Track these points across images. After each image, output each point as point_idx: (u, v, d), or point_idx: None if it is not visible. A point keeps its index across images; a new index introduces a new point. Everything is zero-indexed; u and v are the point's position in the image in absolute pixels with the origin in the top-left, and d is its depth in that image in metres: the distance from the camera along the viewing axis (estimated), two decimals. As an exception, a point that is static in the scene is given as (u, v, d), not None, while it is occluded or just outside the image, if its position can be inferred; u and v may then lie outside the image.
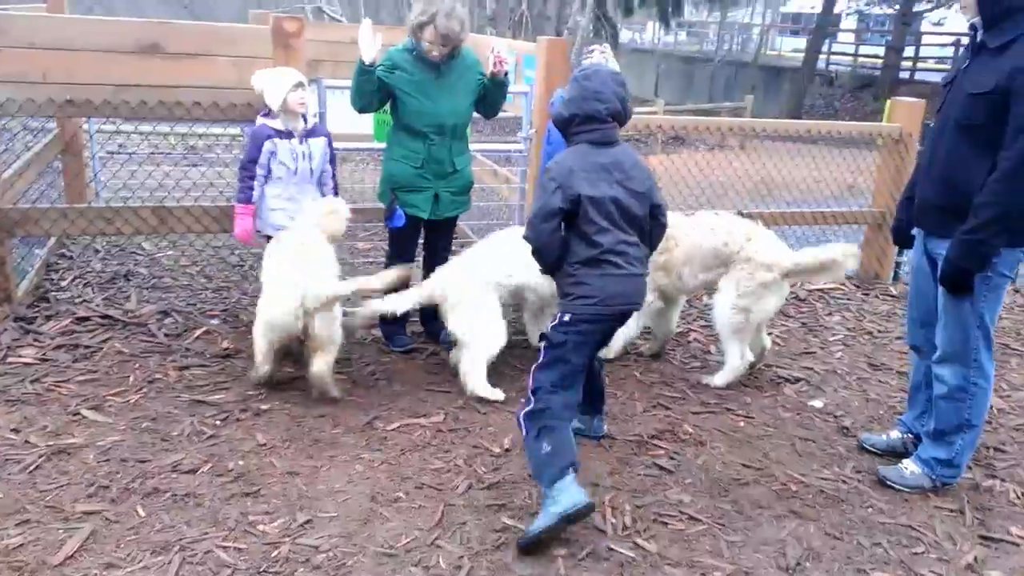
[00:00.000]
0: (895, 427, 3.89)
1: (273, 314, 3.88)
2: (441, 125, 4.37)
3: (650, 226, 3.34)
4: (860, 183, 9.06)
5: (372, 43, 4.09)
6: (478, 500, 3.23)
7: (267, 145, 4.17)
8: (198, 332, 4.70)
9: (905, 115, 6.36)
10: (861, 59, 28.73)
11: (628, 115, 3.28)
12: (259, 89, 4.16)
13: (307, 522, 3.02)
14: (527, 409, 3.10)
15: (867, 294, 6.34)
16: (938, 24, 24.22)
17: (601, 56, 4.56)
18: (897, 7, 24.58)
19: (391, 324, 4.77)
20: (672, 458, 3.66)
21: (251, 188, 4.23)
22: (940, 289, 3.33)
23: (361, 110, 4.39)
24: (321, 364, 3.94)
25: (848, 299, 6.18)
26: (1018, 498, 3.52)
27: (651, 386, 4.44)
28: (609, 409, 4.10)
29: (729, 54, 31.59)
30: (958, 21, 23.56)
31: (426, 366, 4.52)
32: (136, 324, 4.74)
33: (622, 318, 3.33)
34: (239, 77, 4.54)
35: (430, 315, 4.87)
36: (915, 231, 3.57)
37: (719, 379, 4.48)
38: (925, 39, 26.42)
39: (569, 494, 2.94)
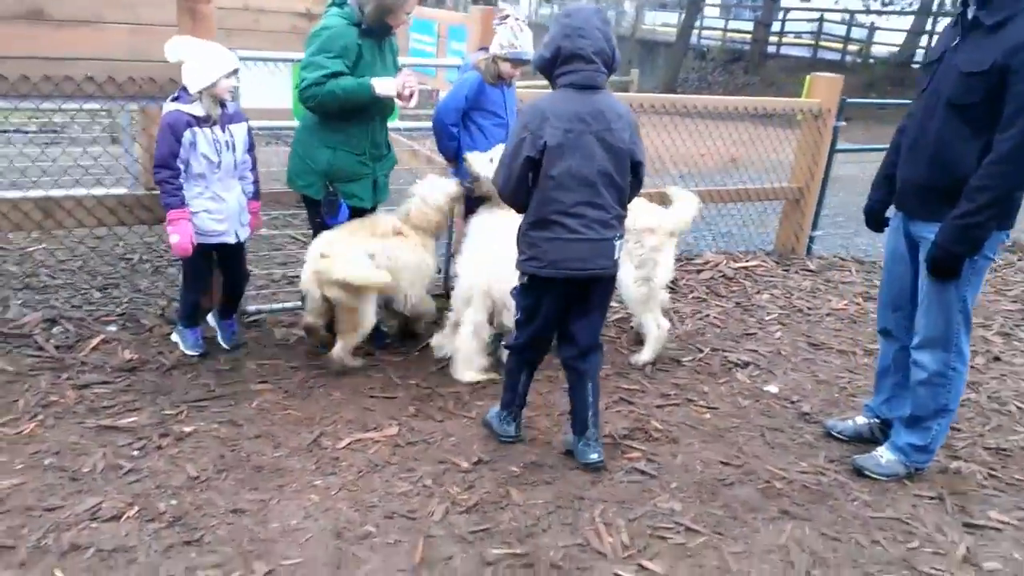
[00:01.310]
0: (860, 413, 3.83)
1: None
2: (387, 105, 3.97)
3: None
4: (742, 156, 9.15)
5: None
6: (459, 527, 2.89)
7: (186, 135, 3.62)
8: (94, 341, 4.09)
9: (824, 90, 6.36)
10: (730, 34, 29.59)
11: (616, 57, 3.06)
12: (176, 60, 3.60)
13: (269, 573, 2.60)
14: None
15: (787, 270, 6.35)
16: (804, 0, 25.11)
17: (516, 23, 4.28)
18: (765, -18, 25.31)
19: None
20: (651, 460, 3.44)
21: (179, 188, 3.69)
22: (923, 273, 3.23)
23: (315, 111, 3.84)
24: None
25: (772, 276, 6.16)
26: (985, 479, 3.51)
27: (607, 378, 4.21)
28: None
29: (605, 27, 31.74)
30: (822, -3, 24.43)
31: (364, 368, 4.10)
32: (19, 336, 4.08)
33: (587, 283, 3.20)
34: (137, 47, 3.94)
35: None
36: (891, 213, 3.48)
37: (645, 355, 4.44)
38: (790, 15, 27.41)
39: (501, 425, 3.49)
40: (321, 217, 4.02)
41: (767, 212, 7.30)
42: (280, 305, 4.82)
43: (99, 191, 4.17)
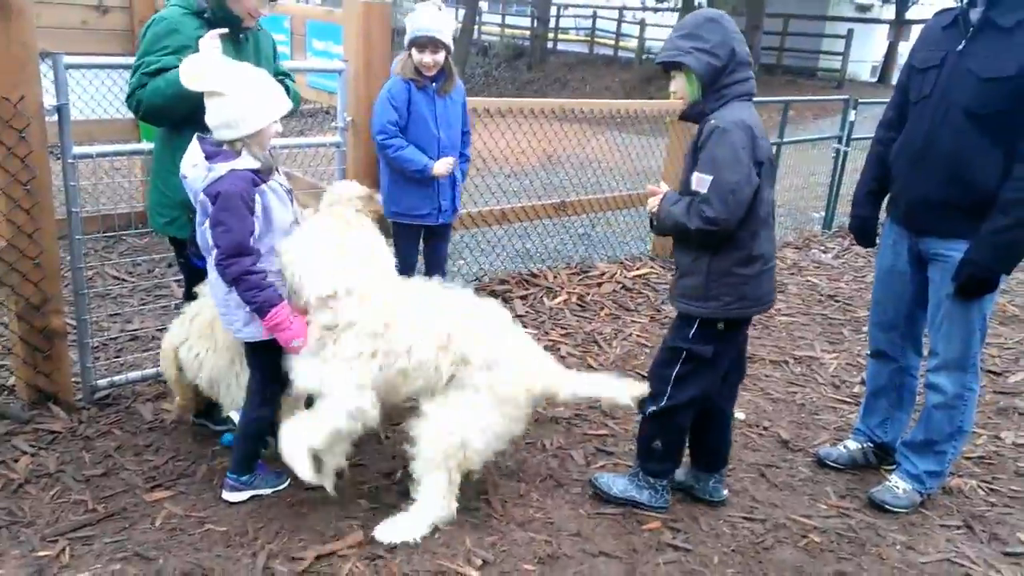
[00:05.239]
0: (849, 437, 3.59)
1: None
2: None
3: None
4: (559, 152, 9.05)
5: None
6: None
7: (257, 201, 2.62)
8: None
9: (695, 90, 6.19)
10: (508, 30, 29.95)
11: None
12: (204, 89, 2.54)
13: None
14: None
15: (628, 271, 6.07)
16: (578, -3, 25.89)
17: (435, 7, 3.76)
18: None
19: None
20: (673, 529, 2.96)
21: (265, 274, 2.65)
22: (939, 292, 3.02)
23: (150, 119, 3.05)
24: None
25: (666, 284, 5.91)
26: (987, 495, 3.38)
27: (569, 422, 3.69)
28: (549, 466, 3.31)
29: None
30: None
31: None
32: None
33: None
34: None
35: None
36: (887, 229, 3.24)
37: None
38: (565, 11, 28.17)
39: (657, 496, 3.04)
40: (187, 259, 3.10)
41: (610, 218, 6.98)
42: (138, 373, 3.80)
43: None
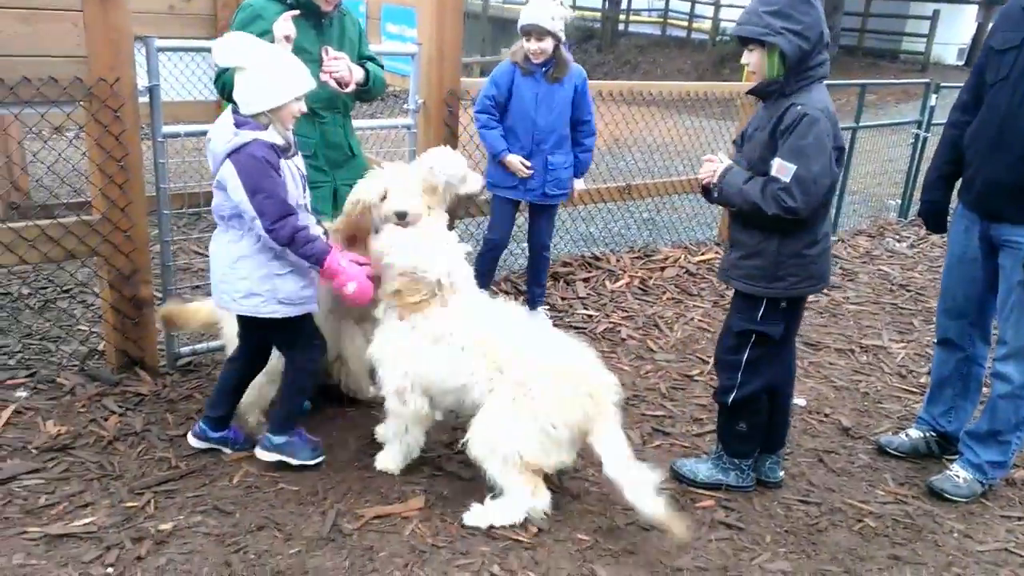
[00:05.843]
0: (912, 425, 3.57)
1: None
2: (331, 98, 3.32)
3: None
4: (626, 135, 9.00)
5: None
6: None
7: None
8: (4, 415, 3.18)
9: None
10: (578, 11, 29.71)
11: None
12: (229, 65, 2.69)
13: None
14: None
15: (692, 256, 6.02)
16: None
17: None
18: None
19: None
20: (727, 508, 3.01)
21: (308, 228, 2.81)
22: (1010, 280, 2.97)
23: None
24: None
25: (678, 263, 5.84)
26: (1052, 487, 3.35)
27: (627, 402, 3.75)
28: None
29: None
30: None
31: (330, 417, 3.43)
32: None
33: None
34: (32, 38, 3.06)
35: None
36: (959, 215, 3.20)
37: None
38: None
39: (743, 477, 3.09)
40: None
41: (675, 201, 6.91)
42: (217, 342, 3.99)
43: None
